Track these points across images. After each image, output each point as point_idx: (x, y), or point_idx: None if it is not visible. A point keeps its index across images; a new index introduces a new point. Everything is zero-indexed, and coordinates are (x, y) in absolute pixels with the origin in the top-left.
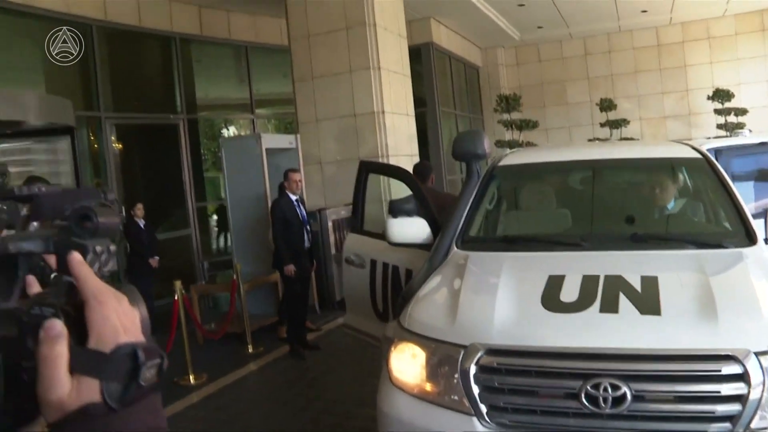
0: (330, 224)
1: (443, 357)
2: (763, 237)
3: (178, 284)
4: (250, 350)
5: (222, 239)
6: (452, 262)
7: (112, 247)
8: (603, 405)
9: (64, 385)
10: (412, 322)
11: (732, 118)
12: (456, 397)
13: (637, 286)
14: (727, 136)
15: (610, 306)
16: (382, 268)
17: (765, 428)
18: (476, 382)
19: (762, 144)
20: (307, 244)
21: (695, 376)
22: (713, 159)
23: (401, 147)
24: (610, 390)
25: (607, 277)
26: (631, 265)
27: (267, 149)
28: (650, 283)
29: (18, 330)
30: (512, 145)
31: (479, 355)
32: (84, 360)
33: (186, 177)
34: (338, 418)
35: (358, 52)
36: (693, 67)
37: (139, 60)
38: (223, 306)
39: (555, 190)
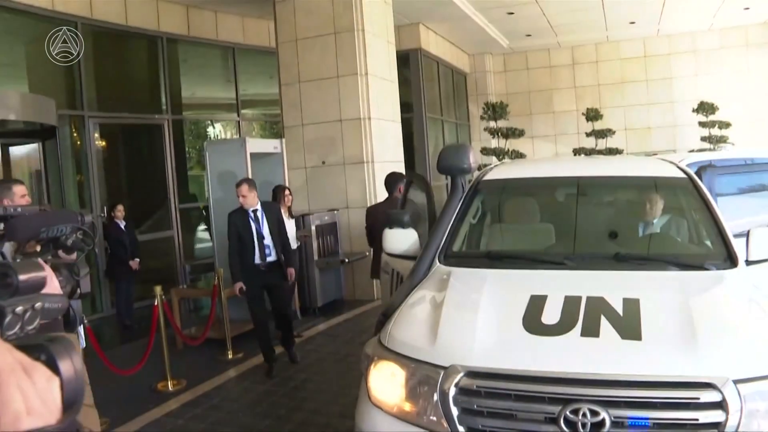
0: (313, 229)
1: (423, 377)
2: (745, 259)
3: (158, 289)
4: (230, 356)
5: (205, 242)
6: (435, 277)
7: (38, 305)
8: (581, 430)
9: None
10: (392, 341)
11: (716, 131)
12: (434, 418)
13: (619, 309)
14: (710, 149)
15: (591, 330)
16: (396, 276)
17: None
18: (455, 404)
19: (747, 164)
20: (257, 260)
21: (674, 404)
22: (697, 179)
23: (387, 153)
24: (589, 415)
25: (589, 298)
26: (613, 286)
27: (252, 153)
28: (632, 306)
29: None
30: (498, 153)
31: (459, 376)
32: None
33: (169, 178)
34: (319, 429)
35: (345, 57)
36: (678, 79)
37: (124, 59)
38: (203, 310)
39: (539, 206)
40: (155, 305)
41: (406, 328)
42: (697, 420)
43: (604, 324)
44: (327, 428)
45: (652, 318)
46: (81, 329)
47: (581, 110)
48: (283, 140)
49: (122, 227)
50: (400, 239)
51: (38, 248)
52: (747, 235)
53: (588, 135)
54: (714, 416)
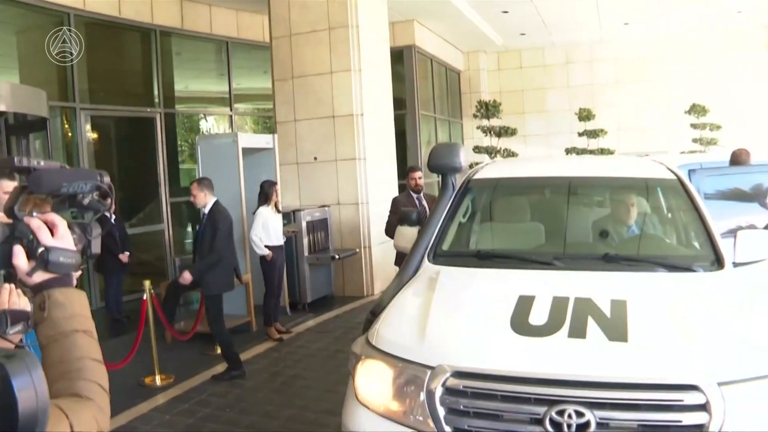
0: (304, 225)
1: (410, 377)
2: (732, 261)
3: (147, 283)
4: (219, 351)
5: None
6: (423, 276)
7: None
8: (567, 431)
9: None
10: (379, 340)
11: (707, 133)
12: (421, 418)
13: (606, 310)
14: (701, 151)
15: (578, 331)
16: None
17: None
18: (442, 404)
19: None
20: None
21: (658, 405)
22: (687, 180)
23: (379, 150)
24: (574, 416)
25: (577, 299)
26: (601, 287)
27: (244, 149)
28: (619, 308)
29: None
30: (490, 151)
31: (446, 376)
32: None
33: (161, 172)
34: (307, 426)
35: (339, 53)
36: (672, 80)
37: (117, 51)
38: (194, 305)
39: (529, 206)
40: (144, 299)
41: (394, 327)
42: (680, 422)
43: (591, 325)
44: (315, 425)
45: (638, 320)
46: None
47: (574, 110)
48: (276, 136)
49: (112, 220)
50: (408, 237)
51: (50, 205)
52: (735, 234)
53: (580, 135)
54: (698, 418)
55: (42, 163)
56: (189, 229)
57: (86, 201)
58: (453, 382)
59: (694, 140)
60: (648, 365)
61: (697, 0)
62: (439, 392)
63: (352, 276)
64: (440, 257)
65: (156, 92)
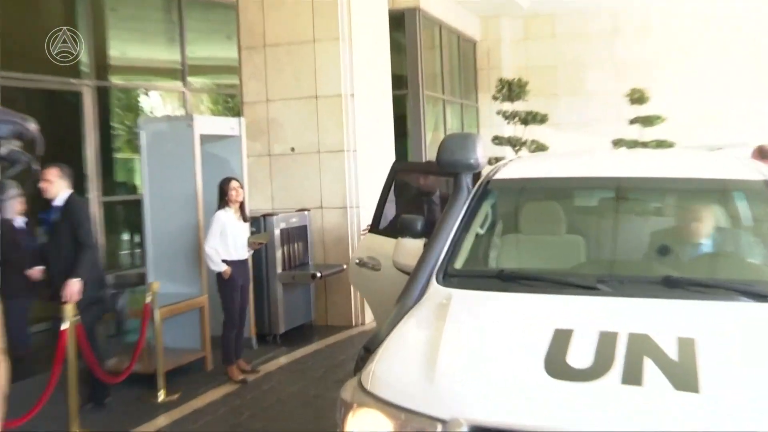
0: (277, 234)
1: None
2: None
3: (68, 309)
4: (161, 398)
5: (134, 247)
6: (431, 302)
7: None
8: None
9: None
10: (376, 384)
11: None
12: None
13: (670, 350)
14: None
15: (633, 377)
16: None
17: None
18: None
19: None
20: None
21: None
22: None
23: (373, 139)
24: None
25: (631, 335)
26: (661, 320)
27: (202, 135)
28: (686, 348)
29: None
30: (514, 143)
31: None
32: None
33: (90, 162)
34: None
35: (325, 16)
36: (756, 53)
37: (33, 6)
38: (129, 335)
39: (565, 214)
40: (62, 330)
41: (395, 367)
42: None
43: (650, 369)
44: None
45: (712, 364)
46: None
47: (623, 91)
48: (242, 119)
49: (17, 226)
50: (411, 251)
51: None
52: None
53: (631, 123)
54: None
55: None
56: (126, 236)
57: (4, 150)
58: None
59: None
60: (725, 422)
61: None
62: None
63: (337, 300)
64: (452, 278)
65: (84, 59)
